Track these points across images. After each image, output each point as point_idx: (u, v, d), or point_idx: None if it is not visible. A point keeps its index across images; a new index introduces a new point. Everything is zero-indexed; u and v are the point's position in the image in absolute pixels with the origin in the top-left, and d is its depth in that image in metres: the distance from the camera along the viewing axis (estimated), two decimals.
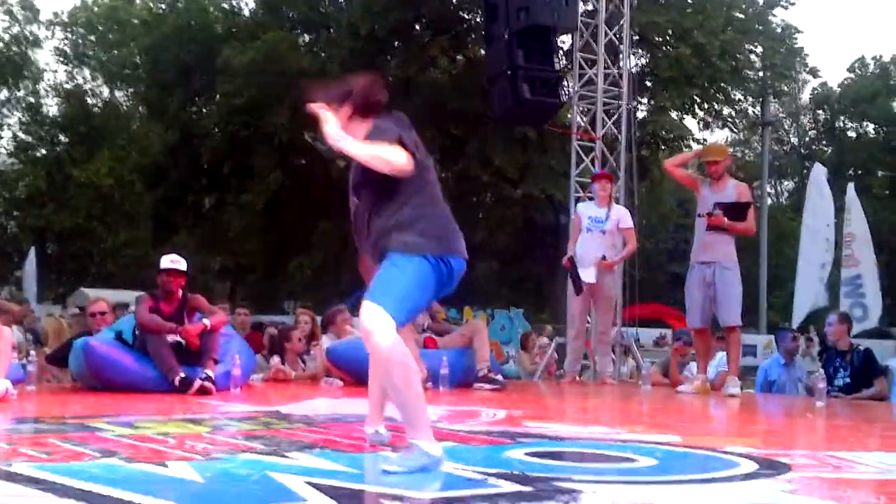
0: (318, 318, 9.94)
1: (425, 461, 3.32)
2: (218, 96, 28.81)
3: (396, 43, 27.42)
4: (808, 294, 15.06)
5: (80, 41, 38.84)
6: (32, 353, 7.84)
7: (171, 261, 7.61)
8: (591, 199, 10.44)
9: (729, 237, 8.09)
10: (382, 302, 3.51)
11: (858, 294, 14.70)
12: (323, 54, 26.74)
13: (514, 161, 26.22)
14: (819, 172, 16.36)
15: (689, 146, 26.97)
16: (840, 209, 15.75)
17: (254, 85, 27.00)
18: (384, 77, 27.36)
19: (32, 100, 38.91)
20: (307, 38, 30.17)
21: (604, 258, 9.38)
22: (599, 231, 9.51)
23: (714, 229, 8.01)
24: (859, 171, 48.25)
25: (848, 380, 8.41)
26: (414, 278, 3.62)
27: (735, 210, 8.06)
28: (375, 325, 3.44)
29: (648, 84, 26.91)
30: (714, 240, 8.05)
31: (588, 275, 9.51)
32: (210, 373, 7.16)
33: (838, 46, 75.58)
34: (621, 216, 9.56)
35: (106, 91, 39.78)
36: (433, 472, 3.29)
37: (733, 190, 8.21)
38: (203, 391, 6.94)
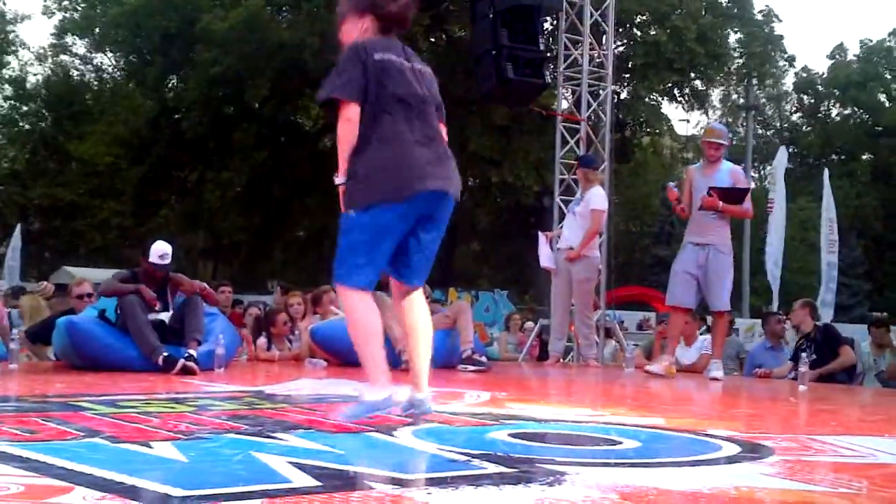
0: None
1: (365, 408, 3.80)
2: (196, 66, 28.50)
3: None
4: (774, 277, 15.23)
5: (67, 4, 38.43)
6: (15, 331, 7.80)
7: (160, 256, 7.54)
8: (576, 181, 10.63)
9: (724, 221, 8.07)
10: (336, 274, 3.85)
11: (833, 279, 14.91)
12: (301, 30, 26.48)
13: (491, 147, 26.13)
14: (783, 156, 16.48)
15: (667, 131, 27.07)
16: (818, 195, 15.94)
17: (234, 54, 26.73)
18: None
19: (16, 72, 38.60)
20: (287, 11, 29.84)
21: (571, 249, 9.50)
22: (572, 213, 9.73)
23: (710, 209, 7.99)
24: (843, 157, 48.45)
25: (814, 355, 8.49)
26: (351, 237, 3.81)
27: (732, 195, 8.04)
28: (340, 299, 3.85)
29: (629, 66, 26.92)
30: (711, 222, 8.03)
31: (545, 259, 9.73)
32: (193, 352, 7.13)
33: (823, 31, 75.71)
34: (591, 197, 9.59)
35: (93, 59, 39.39)
36: (383, 410, 3.85)
37: (728, 174, 8.16)
38: (186, 371, 6.92)
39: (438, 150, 3.94)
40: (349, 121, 3.77)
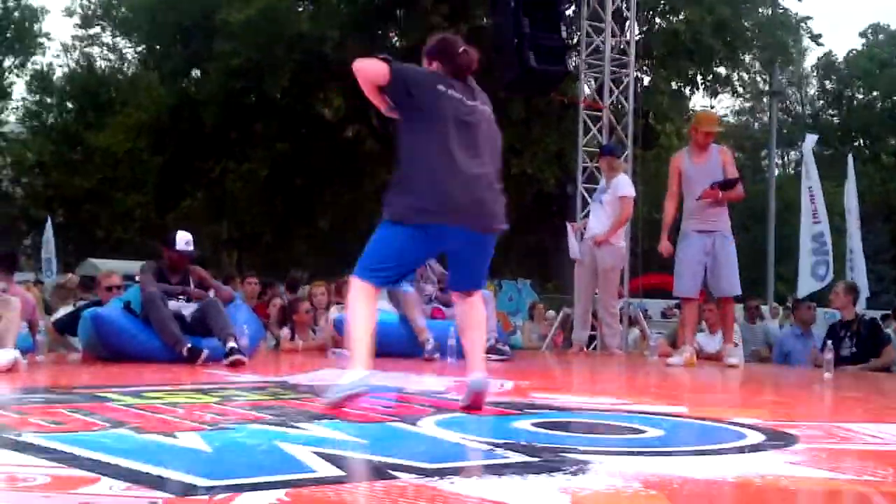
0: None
1: (343, 389, 4.10)
2: (216, 59, 28.53)
3: (397, 11, 27.15)
4: (805, 265, 15.09)
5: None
6: (42, 322, 7.86)
7: (186, 242, 7.62)
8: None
9: (724, 206, 8.05)
10: (357, 265, 4.25)
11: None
12: (322, 22, 26.45)
13: (510, 137, 26.04)
14: (810, 142, 16.32)
15: (687, 121, 26.82)
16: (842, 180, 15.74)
17: (252, 46, 26.73)
18: (385, 45, 27.03)
19: (40, 66, 38.85)
20: (307, 1, 29.79)
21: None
22: (599, 202, 9.66)
23: (711, 199, 7.97)
24: (867, 141, 48.05)
25: (854, 349, 8.43)
26: (377, 242, 4.22)
27: (729, 183, 8.03)
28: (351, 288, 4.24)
29: (650, 54, 26.74)
30: (713, 210, 7.99)
31: (573, 250, 9.71)
32: (234, 344, 7.10)
33: (845, 14, 75.01)
34: (618, 184, 9.56)
35: (116, 47, 39.54)
36: (360, 389, 4.10)
37: (717, 158, 8.10)
38: (236, 364, 6.86)
39: (481, 186, 4.20)
40: (371, 67, 4.27)
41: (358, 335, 4.19)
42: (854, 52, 49.88)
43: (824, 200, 14.89)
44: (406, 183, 4.19)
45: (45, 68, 39.08)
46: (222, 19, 27.01)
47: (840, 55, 50.71)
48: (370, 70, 4.25)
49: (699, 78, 28.62)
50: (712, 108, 32.83)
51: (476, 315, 4.44)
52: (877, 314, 15.36)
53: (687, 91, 29.31)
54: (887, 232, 42.20)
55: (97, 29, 38.89)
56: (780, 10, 29.08)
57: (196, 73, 31.62)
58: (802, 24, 30.35)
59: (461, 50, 4.40)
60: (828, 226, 14.91)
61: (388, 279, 4.36)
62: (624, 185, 9.57)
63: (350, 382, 4.10)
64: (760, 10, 28.79)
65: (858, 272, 14.42)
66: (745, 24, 28.12)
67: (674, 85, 28.43)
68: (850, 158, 16.14)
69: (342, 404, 4.10)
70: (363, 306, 4.22)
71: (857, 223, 15.13)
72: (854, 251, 14.81)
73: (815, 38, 33.29)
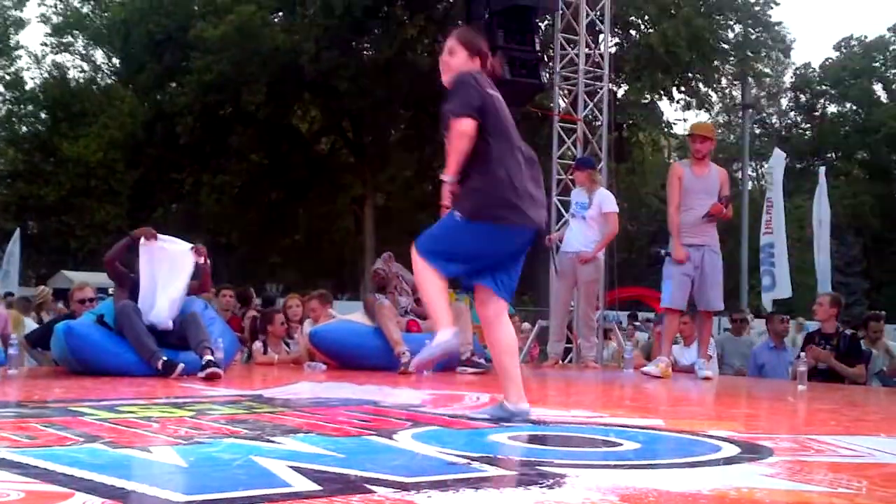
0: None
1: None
2: (190, 73, 28.44)
3: (372, 24, 27.18)
4: (767, 279, 15.29)
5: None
6: (14, 336, 7.80)
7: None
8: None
9: (714, 222, 8.10)
10: (418, 241, 4.42)
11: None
12: (297, 36, 26.45)
13: None
14: (779, 157, 16.52)
15: (662, 131, 27.02)
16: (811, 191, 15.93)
17: (227, 60, 26.67)
18: (359, 58, 26.87)
19: (13, 76, 38.58)
20: (281, 15, 29.78)
21: (578, 254, 9.47)
22: (581, 217, 9.59)
23: (720, 216, 8.07)
24: (839, 154, 48.43)
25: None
26: (447, 230, 4.38)
27: (728, 203, 8.17)
28: (414, 258, 4.39)
29: (623, 67, 26.90)
30: (706, 225, 8.03)
31: (558, 261, 9.72)
32: (212, 357, 7.08)
33: (820, 26, 75.66)
34: (603, 200, 9.56)
35: (88, 61, 39.39)
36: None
37: (717, 175, 8.18)
38: (212, 378, 6.83)
39: (538, 187, 4.46)
40: (464, 134, 4.27)
41: (440, 302, 4.37)
42: (829, 60, 50.26)
43: (794, 213, 15.11)
44: (488, 182, 4.32)
45: (17, 77, 38.78)
46: (197, 35, 26.95)
47: (815, 66, 51.16)
48: (465, 143, 4.30)
49: (673, 90, 28.82)
50: (686, 119, 33.07)
51: (511, 335, 4.60)
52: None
53: (661, 104, 29.49)
54: (859, 244, 42.56)
55: (69, 38, 38.77)
56: (757, 26, 29.33)
57: (172, 85, 31.52)
58: (776, 36, 30.63)
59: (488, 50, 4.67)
60: (783, 237, 15.10)
61: (449, 270, 4.44)
62: (609, 201, 9.56)
63: (444, 341, 4.26)
64: (737, 25, 29.01)
65: (823, 284, 14.54)
66: (722, 35, 28.35)
67: (647, 98, 28.60)
68: (821, 171, 16.30)
69: (435, 361, 4.46)
70: (431, 278, 4.36)
71: (826, 235, 15.27)
72: (821, 263, 14.94)
73: (785, 51, 33.57)
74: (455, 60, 4.53)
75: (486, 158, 4.31)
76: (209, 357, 7.06)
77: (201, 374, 6.88)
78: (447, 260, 4.35)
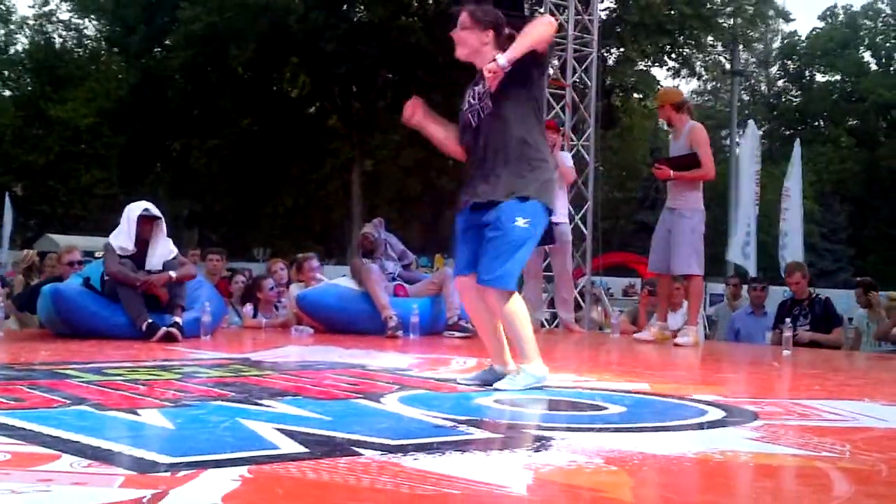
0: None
1: (531, 381, 4.29)
2: (179, 25, 28.24)
3: None
4: (735, 250, 15.31)
5: None
6: (0, 299, 7.78)
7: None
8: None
9: (692, 185, 7.88)
10: (504, 280, 4.38)
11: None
12: None
13: None
14: (753, 129, 16.50)
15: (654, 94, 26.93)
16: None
17: (215, 11, 26.51)
18: (350, 20, 26.74)
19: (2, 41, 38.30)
20: None
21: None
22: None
23: (663, 179, 8.03)
24: (826, 122, 48.48)
25: (808, 328, 8.54)
26: (515, 245, 4.34)
27: (683, 161, 7.86)
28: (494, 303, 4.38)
29: (618, 30, 26.80)
30: (676, 187, 7.95)
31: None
32: (179, 320, 7.15)
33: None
34: (559, 160, 9.48)
35: (77, 26, 39.07)
36: (539, 389, 4.27)
37: (685, 138, 8.01)
38: (169, 337, 6.92)
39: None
40: (553, 25, 4.39)
41: (528, 334, 4.36)
42: (817, 30, 50.20)
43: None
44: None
45: (2, 43, 38.48)
46: None
47: (803, 35, 51.07)
48: (552, 29, 4.36)
49: (665, 56, 28.73)
50: (677, 86, 32.90)
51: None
52: (836, 293, 15.57)
53: (655, 69, 29.43)
54: (845, 212, 42.69)
55: (51, 6, 38.51)
56: None
57: (159, 51, 31.35)
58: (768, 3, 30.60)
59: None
60: (751, 210, 15.13)
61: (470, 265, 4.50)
62: (563, 159, 9.47)
63: (528, 382, 4.29)
64: None
65: (794, 251, 14.52)
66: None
67: (641, 65, 28.51)
68: (796, 143, 16.30)
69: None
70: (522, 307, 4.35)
71: (798, 205, 15.25)
72: (789, 233, 14.92)
73: (784, 15, 33.49)
74: (462, 40, 4.49)
75: (545, 150, 4.47)
76: (177, 318, 7.17)
77: (159, 334, 6.93)
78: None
